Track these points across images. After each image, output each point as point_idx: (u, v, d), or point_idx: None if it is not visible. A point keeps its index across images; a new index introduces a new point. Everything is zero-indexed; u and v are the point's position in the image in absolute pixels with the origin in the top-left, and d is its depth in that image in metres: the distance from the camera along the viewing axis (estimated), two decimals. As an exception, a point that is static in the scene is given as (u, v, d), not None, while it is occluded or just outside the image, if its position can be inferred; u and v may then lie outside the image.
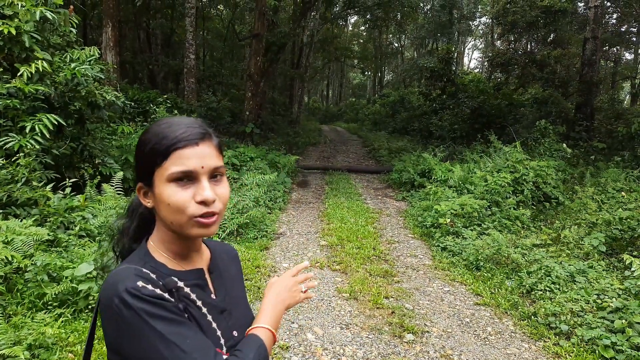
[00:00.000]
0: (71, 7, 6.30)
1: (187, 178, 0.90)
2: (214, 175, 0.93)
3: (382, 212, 8.61)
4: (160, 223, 0.98)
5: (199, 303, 0.96)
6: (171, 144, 0.89)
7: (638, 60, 27.70)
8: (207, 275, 1.04)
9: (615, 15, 22.72)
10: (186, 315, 0.91)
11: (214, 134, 0.97)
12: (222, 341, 0.97)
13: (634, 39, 25.38)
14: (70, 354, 3.11)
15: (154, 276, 0.91)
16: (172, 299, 0.89)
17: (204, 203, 0.90)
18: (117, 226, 1.10)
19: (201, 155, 0.90)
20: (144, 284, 0.87)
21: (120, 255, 1.07)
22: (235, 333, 1.02)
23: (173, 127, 0.92)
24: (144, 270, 0.91)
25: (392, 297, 4.71)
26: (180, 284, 0.95)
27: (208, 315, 0.97)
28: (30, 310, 3.41)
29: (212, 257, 1.10)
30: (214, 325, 0.97)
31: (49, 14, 5.33)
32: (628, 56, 30.22)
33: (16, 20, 5.11)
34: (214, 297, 1.02)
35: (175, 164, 0.89)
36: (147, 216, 1.04)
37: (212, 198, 0.90)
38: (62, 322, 3.36)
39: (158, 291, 0.88)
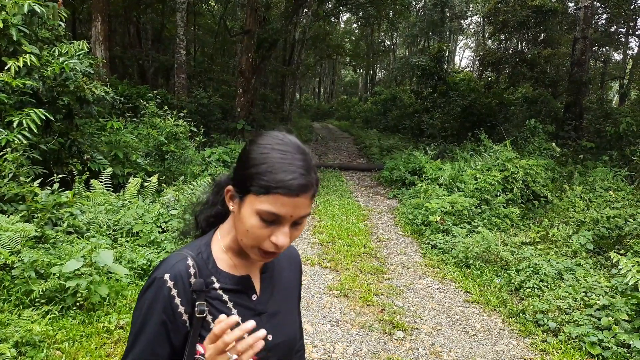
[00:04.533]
0: (60, 0, 6.21)
1: (274, 220, 0.92)
2: (297, 222, 0.95)
3: (373, 210, 8.63)
4: (233, 223, 1.01)
5: (230, 305, 1.01)
6: (275, 186, 0.89)
7: (626, 60, 28.00)
8: (257, 276, 1.07)
9: (604, 16, 22.94)
10: (210, 316, 0.97)
11: (316, 183, 0.95)
12: None
13: (623, 39, 25.68)
14: (57, 352, 3.07)
15: (192, 271, 0.98)
16: (183, 306, 0.96)
17: (276, 245, 0.93)
18: (203, 200, 1.16)
19: (296, 206, 0.91)
20: (170, 280, 0.95)
21: (196, 229, 1.14)
22: (269, 337, 1.02)
23: (285, 164, 0.90)
24: (189, 262, 0.98)
25: (382, 294, 4.73)
26: (216, 285, 1.00)
27: (238, 318, 0.98)
28: (17, 307, 3.37)
29: None
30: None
31: (37, 7, 5.25)
32: (617, 56, 30.61)
33: (3, 13, 5.03)
34: (255, 299, 1.05)
35: (271, 204, 0.89)
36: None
37: (286, 245, 0.94)
38: (49, 319, 3.33)
39: (173, 292, 0.95)
